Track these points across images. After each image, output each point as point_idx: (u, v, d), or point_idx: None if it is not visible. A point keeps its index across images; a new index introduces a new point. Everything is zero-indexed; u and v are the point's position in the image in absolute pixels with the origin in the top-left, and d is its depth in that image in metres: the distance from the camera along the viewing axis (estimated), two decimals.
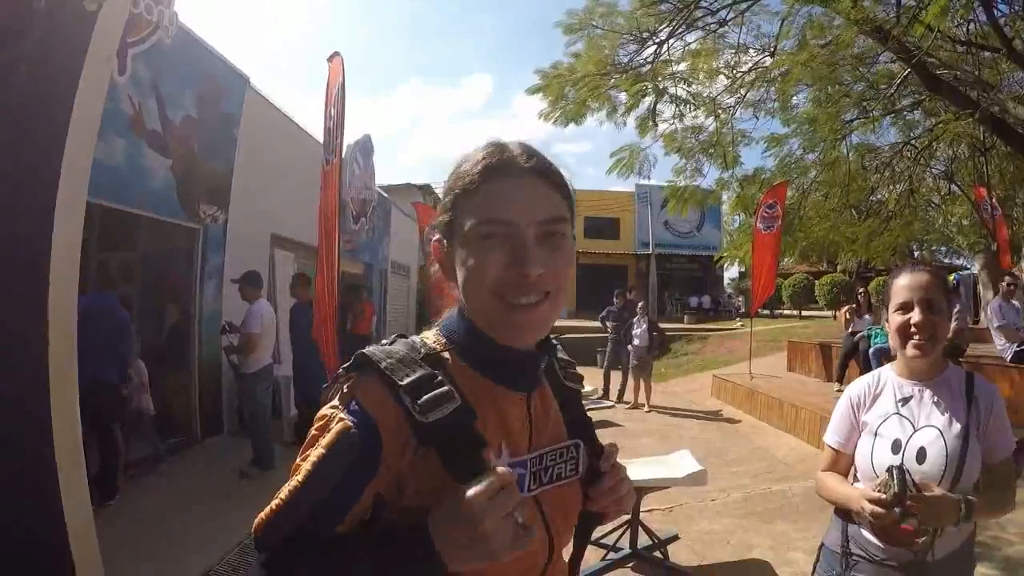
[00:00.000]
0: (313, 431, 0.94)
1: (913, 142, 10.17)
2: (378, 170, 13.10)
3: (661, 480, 4.48)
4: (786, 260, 20.78)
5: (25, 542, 2.56)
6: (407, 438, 0.90)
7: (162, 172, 6.48)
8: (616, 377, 11.87)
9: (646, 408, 10.76)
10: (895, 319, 1.85)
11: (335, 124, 5.16)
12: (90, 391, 3.21)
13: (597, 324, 13.02)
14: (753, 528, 5.00)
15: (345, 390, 0.94)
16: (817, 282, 24.05)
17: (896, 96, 8.55)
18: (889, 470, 1.66)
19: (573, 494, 1.08)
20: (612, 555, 4.36)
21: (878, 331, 8.34)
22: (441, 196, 1.06)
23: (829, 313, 21.05)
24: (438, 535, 0.82)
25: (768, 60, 8.81)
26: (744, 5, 8.11)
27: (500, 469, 0.85)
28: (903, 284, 1.85)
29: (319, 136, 6.29)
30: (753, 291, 12.71)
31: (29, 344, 2.52)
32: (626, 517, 4.55)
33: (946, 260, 19.05)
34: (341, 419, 0.90)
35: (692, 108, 9.14)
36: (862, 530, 1.84)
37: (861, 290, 11.11)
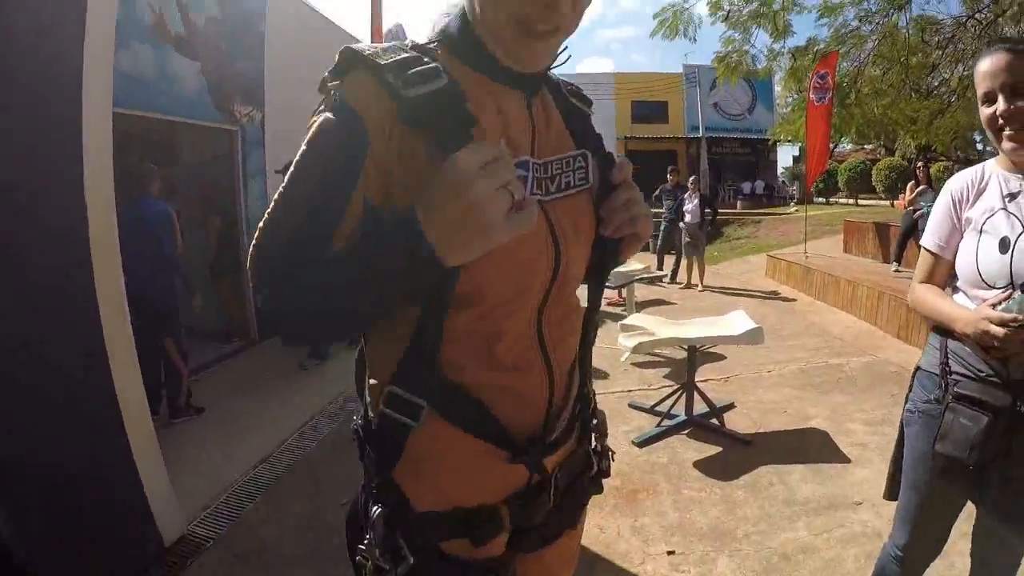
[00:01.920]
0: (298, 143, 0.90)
1: (977, 15, 9.39)
2: None
3: (717, 338, 4.44)
4: (843, 142, 19.93)
5: (91, 459, 2.68)
6: (392, 123, 0.85)
7: (193, 76, 6.43)
8: (669, 259, 11.71)
9: (699, 287, 10.67)
10: (983, 112, 1.63)
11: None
12: (137, 307, 3.29)
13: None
14: (810, 399, 4.98)
15: (329, 91, 0.90)
16: (875, 167, 23.05)
17: None
18: (1009, 294, 1.50)
19: (584, 205, 1.02)
20: (667, 422, 4.37)
21: None
22: None
23: (887, 201, 20.22)
24: (426, 219, 0.75)
25: None
26: None
27: (495, 142, 0.79)
28: (984, 71, 1.60)
29: (345, 26, 6.14)
30: (807, 166, 12.26)
31: (75, 266, 2.59)
32: (680, 383, 4.61)
33: None
34: (326, 116, 0.86)
35: None
36: (966, 348, 1.64)
37: (920, 164, 10.55)
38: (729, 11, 9.47)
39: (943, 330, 1.71)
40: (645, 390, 5.30)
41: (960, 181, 1.74)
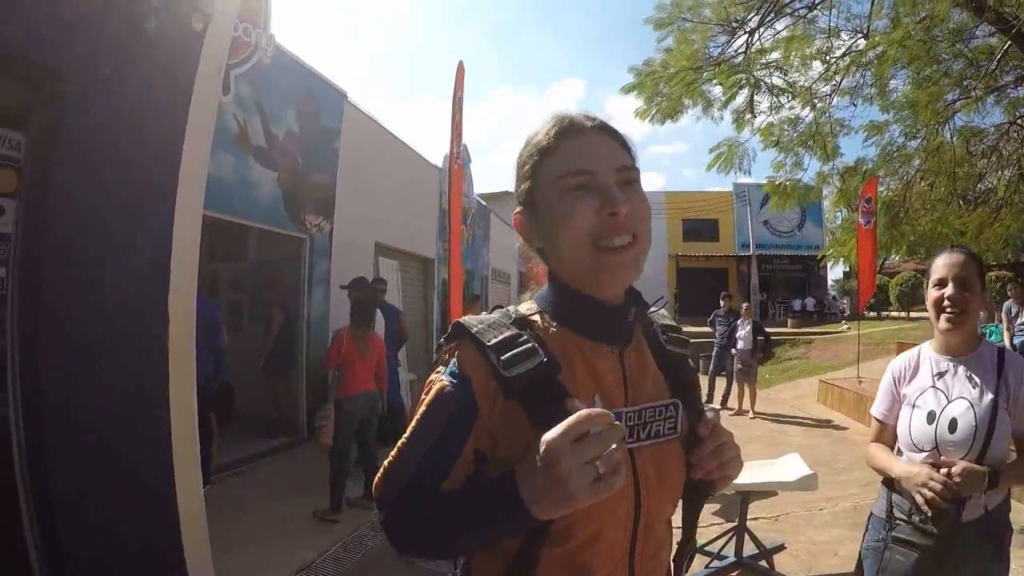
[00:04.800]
0: (422, 396, 1.04)
1: (1020, 121, 9.60)
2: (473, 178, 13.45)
3: (770, 484, 4.35)
4: (893, 257, 19.81)
5: (141, 527, 2.73)
6: (496, 393, 0.98)
7: (269, 185, 6.99)
8: (721, 383, 11.54)
9: (750, 414, 10.52)
10: (932, 294, 2.07)
11: (456, 130, 5.48)
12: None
13: (698, 329, 12.60)
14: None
15: (445, 356, 1.04)
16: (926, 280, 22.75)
17: (998, 72, 8.13)
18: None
19: (672, 453, 1.07)
20: (716, 563, 4.30)
21: (993, 328, 7.89)
22: (516, 172, 1.14)
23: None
24: (522, 480, 0.87)
25: (861, 42, 8.54)
26: None
27: (581, 412, 0.84)
28: (941, 263, 2.07)
29: (414, 145, 6.66)
30: (860, 288, 12.26)
31: (153, 339, 2.76)
32: (732, 524, 4.48)
33: None
34: (440, 380, 1.01)
35: (789, 97, 8.93)
36: (903, 498, 2.05)
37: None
38: (779, 138, 9.83)
39: (888, 482, 2.14)
40: None
41: (900, 363, 2.22)
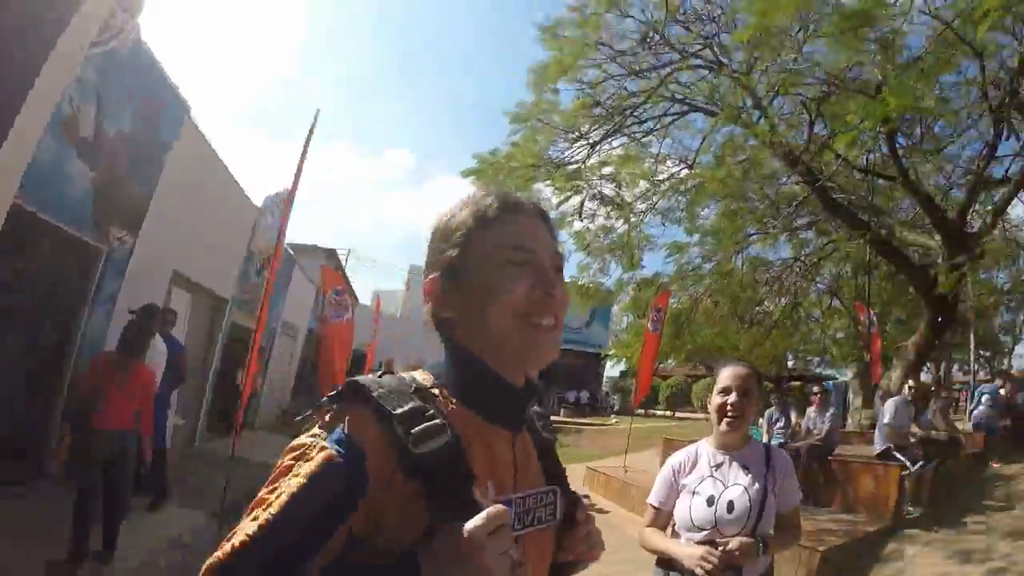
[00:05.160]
0: (286, 460, 0.90)
1: (803, 259, 11.17)
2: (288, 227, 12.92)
3: None
4: (670, 362, 21.81)
5: None
6: (393, 471, 0.88)
7: (83, 182, 6.16)
8: None
9: None
10: (716, 399, 2.43)
11: (298, 176, 5.24)
12: None
13: None
14: None
15: (328, 418, 0.92)
16: (694, 385, 25.30)
17: (794, 215, 9.41)
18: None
19: (548, 540, 1.09)
20: None
21: (754, 429, 8.82)
22: (438, 237, 1.08)
23: (703, 415, 21.94)
24: (431, 570, 0.81)
25: (684, 172, 9.52)
26: (669, 119, 8.81)
27: (497, 506, 0.84)
28: (727, 374, 2.43)
29: (244, 184, 6.30)
30: (637, 386, 13.18)
31: None
32: None
33: (817, 369, 20.57)
34: (324, 448, 0.88)
35: (616, 209, 9.66)
36: (682, 575, 2.28)
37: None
38: (590, 243, 10.51)
39: (663, 562, 2.38)
40: None
41: (679, 457, 2.53)
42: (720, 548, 2.19)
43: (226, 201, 10.16)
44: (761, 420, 9.87)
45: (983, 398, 9.57)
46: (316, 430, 0.91)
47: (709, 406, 2.53)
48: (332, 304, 10.75)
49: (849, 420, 11.93)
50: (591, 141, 9.17)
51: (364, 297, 29.65)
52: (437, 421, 0.91)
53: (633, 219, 10.11)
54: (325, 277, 12.25)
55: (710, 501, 2.33)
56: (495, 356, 1.00)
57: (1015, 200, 9.18)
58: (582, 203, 9.83)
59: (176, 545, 5.21)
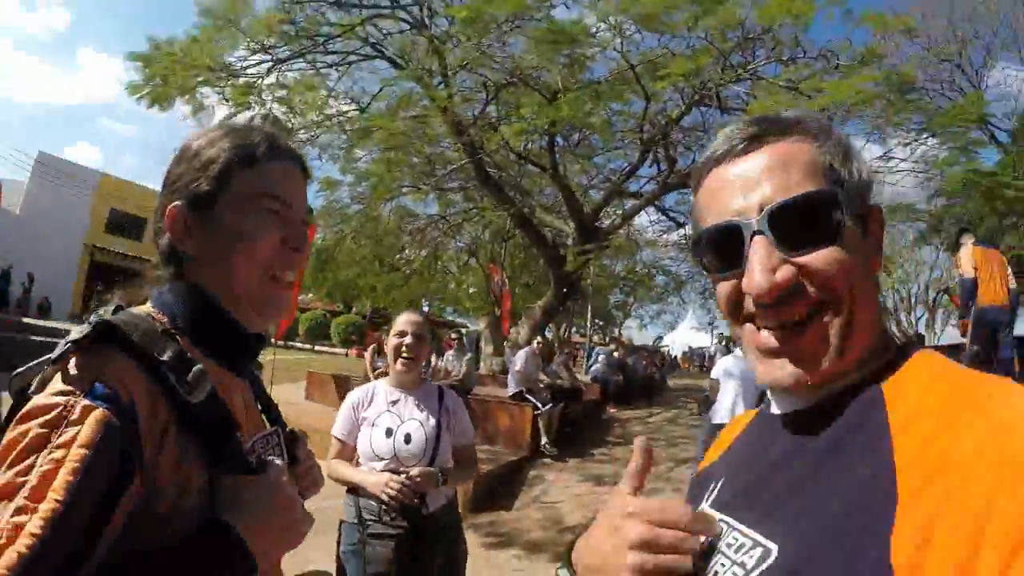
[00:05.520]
0: (33, 429, 0.71)
1: (448, 217, 12.10)
2: None
3: None
4: (310, 296, 21.82)
5: None
6: (165, 426, 0.78)
7: None
8: None
9: None
10: (393, 340, 2.61)
11: None
12: None
13: None
14: (311, 543, 5.21)
15: (78, 369, 0.76)
16: (334, 320, 25.73)
17: (448, 178, 10.14)
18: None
19: None
20: None
21: None
22: (191, 163, 0.96)
23: (342, 350, 22.47)
24: (250, 532, 0.77)
25: (354, 113, 9.57)
26: (356, 58, 8.77)
27: (276, 459, 0.87)
28: (403, 319, 2.65)
29: None
30: (282, 321, 13.05)
31: None
32: None
33: (451, 317, 22.31)
34: (88, 407, 0.72)
35: (288, 134, 9.29)
36: (371, 501, 2.46)
37: (382, 334, 12.42)
38: None
39: (353, 490, 2.53)
40: None
41: (358, 394, 2.67)
42: (403, 475, 2.36)
43: None
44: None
45: (600, 357, 11.33)
46: (61, 385, 0.74)
47: (386, 347, 2.69)
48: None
49: (482, 365, 13.05)
50: (276, 58, 8.65)
51: None
52: (200, 367, 0.83)
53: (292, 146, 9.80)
54: None
55: (388, 433, 2.50)
56: (233, 304, 0.93)
57: (641, 212, 11.26)
58: (251, 120, 9.24)
59: None
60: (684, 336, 35.87)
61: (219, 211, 0.91)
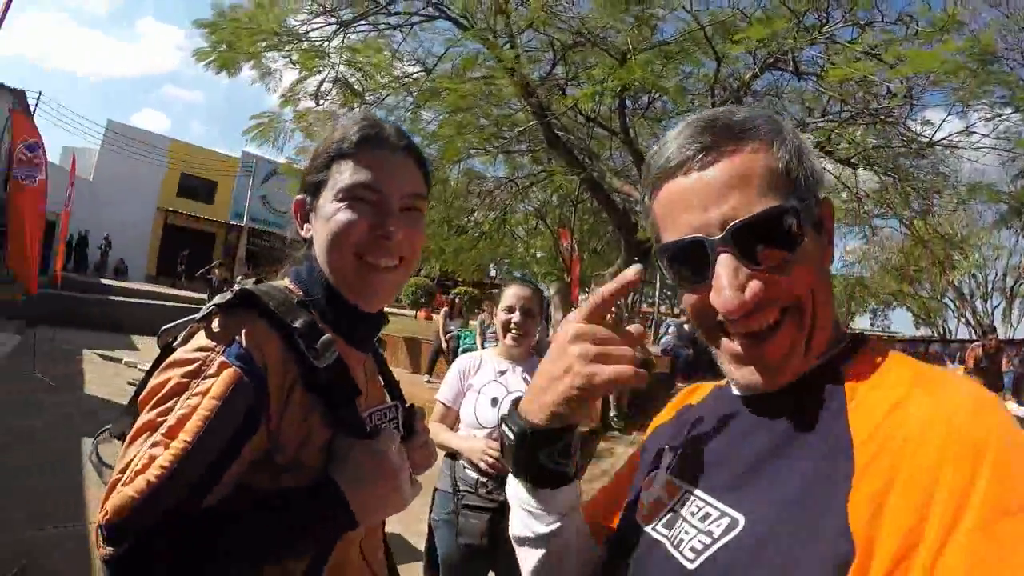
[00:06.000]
0: (175, 376, 0.83)
1: (516, 180, 12.00)
2: None
3: None
4: None
5: None
6: (291, 386, 0.88)
7: None
8: None
9: None
10: (502, 316, 2.63)
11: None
12: None
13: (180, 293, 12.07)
14: None
15: (220, 329, 0.87)
16: None
17: (516, 140, 10.03)
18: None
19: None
20: None
21: (467, 333, 9.57)
22: (312, 157, 1.08)
23: (411, 312, 22.77)
24: (354, 493, 0.85)
25: (419, 74, 9.52)
26: (419, 19, 8.71)
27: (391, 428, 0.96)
28: (510, 293, 2.64)
29: None
30: None
31: None
32: None
33: None
34: (224, 363, 0.83)
35: (355, 96, 9.33)
36: (467, 470, 2.50)
37: (453, 297, 12.55)
38: (311, 125, 10.10)
39: (451, 455, 2.58)
40: None
41: (466, 361, 2.72)
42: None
43: None
44: (473, 323, 10.64)
45: (670, 329, 11.11)
46: (204, 341, 0.86)
47: (495, 320, 2.72)
48: (23, 161, 8.93)
49: (551, 332, 13.20)
50: (340, 21, 8.66)
51: (52, 154, 24.96)
52: (328, 336, 0.92)
53: (358, 109, 9.76)
54: (15, 126, 9.99)
55: (494, 402, 2.53)
56: (338, 285, 1.01)
57: None
58: (320, 84, 9.35)
59: None
60: None
61: (323, 200, 1.01)
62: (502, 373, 2.62)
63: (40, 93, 19.89)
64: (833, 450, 0.63)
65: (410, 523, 4.97)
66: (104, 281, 19.96)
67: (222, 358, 0.83)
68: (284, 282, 1.03)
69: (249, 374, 0.83)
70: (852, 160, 8.12)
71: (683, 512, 0.75)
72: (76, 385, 8.31)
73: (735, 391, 0.82)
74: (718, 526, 0.68)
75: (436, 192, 12.01)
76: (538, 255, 16.21)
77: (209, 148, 30.66)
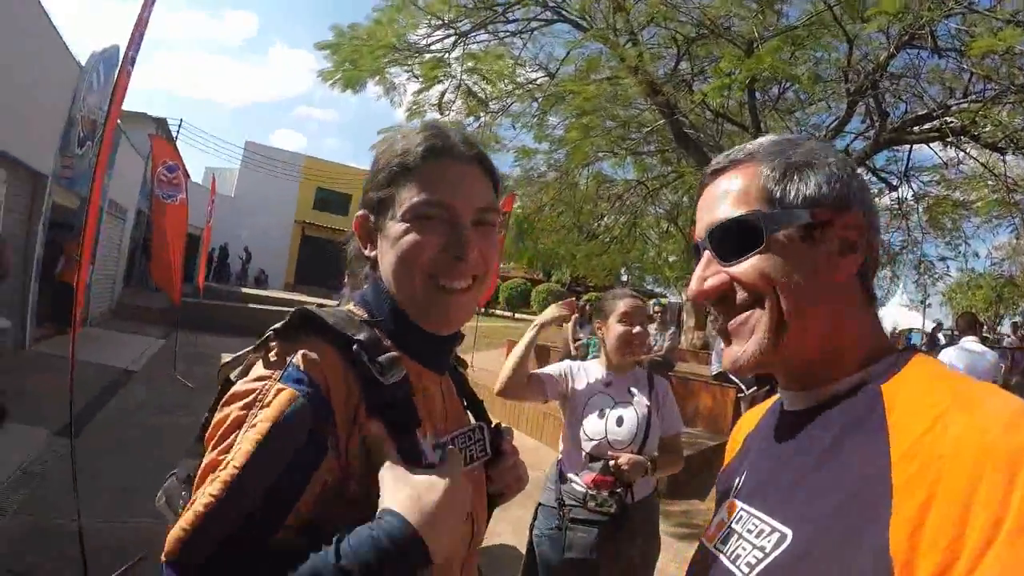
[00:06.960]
0: (234, 411, 0.78)
1: (646, 182, 11.70)
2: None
3: None
4: (509, 264, 22.48)
5: None
6: (357, 407, 0.82)
7: None
8: None
9: None
10: (619, 327, 2.53)
11: (140, 28, 4.34)
12: None
13: (318, 300, 12.69)
14: (494, 516, 5.27)
15: (275, 355, 0.82)
16: (534, 289, 26.46)
17: (644, 141, 9.76)
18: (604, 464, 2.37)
19: (481, 475, 1.06)
20: None
21: (596, 341, 9.40)
22: (372, 171, 1.00)
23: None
24: (431, 533, 0.73)
25: (542, 79, 9.47)
26: (537, 24, 8.68)
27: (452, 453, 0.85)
28: (628, 304, 2.57)
29: (70, 43, 5.33)
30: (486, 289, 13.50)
31: None
32: None
33: (650, 287, 22.02)
34: (281, 388, 0.77)
35: (479, 105, 9.44)
36: (574, 485, 2.46)
37: (582, 302, 12.38)
38: None
39: (561, 479, 2.53)
40: None
41: (574, 364, 2.68)
42: (612, 462, 2.34)
43: (41, 55, 8.44)
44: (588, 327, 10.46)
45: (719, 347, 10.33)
46: (261, 371, 0.81)
47: (605, 332, 2.60)
48: (163, 182, 9.78)
49: (682, 339, 12.68)
50: (458, 31, 8.79)
51: (195, 174, 27.70)
52: (394, 353, 0.86)
53: (485, 118, 9.93)
54: (155, 150, 10.99)
55: (601, 414, 2.47)
56: (406, 306, 0.94)
57: None
58: (443, 95, 9.53)
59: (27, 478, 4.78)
60: (892, 313, 32.30)
61: (388, 218, 0.94)
62: (607, 384, 2.56)
63: (181, 120, 21.82)
64: (874, 467, 0.65)
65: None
66: (244, 290, 21.68)
67: (279, 384, 0.78)
68: (349, 306, 0.99)
69: (308, 395, 0.77)
70: (999, 144, 7.23)
71: (739, 528, 0.80)
72: (214, 387, 8.83)
73: (787, 406, 0.87)
74: (769, 541, 0.72)
75: (565, 197, 11.97)
76: (670, 259, 15.72)
77: (342, 163, 32.60)
